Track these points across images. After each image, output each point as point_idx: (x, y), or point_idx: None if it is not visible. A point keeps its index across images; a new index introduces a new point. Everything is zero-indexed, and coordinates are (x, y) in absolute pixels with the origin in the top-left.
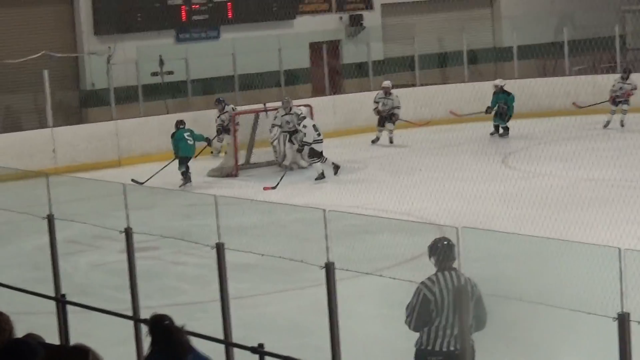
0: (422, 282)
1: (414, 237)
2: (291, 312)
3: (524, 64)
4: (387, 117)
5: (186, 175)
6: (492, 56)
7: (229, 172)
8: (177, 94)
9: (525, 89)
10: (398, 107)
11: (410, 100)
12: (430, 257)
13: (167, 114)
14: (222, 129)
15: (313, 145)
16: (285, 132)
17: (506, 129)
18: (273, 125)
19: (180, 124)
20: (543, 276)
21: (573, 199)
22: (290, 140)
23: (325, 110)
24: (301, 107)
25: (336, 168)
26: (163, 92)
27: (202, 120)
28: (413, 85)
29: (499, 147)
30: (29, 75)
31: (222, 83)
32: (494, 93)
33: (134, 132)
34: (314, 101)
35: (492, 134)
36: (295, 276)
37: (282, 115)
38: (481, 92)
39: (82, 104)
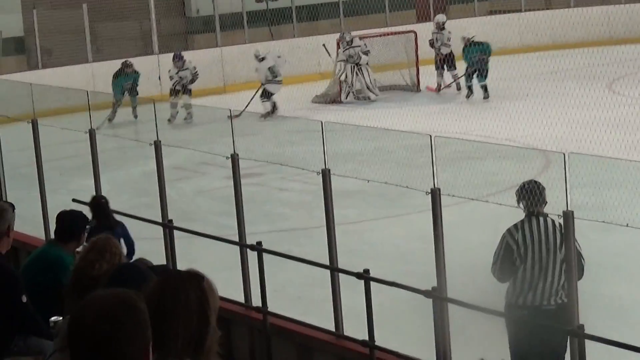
0: (508, 229)
1: (520, 163)
2: (396, 238)
3: None
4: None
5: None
6: None
7: (334, 99)
8: (281, 20)
9: (633, 15)
10: (446, 45)
11: (516, 26)
12: (518, 202)
13: (272, 40)
14: (183, 89)
15: (266, 86)
16: (351, 63)
17: (485, 88)
18: (339, 61)
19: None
20: None
21: None
22: (357, 72)
23: (430, 37)
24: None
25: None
26: (267, 19)
27: (305, 45)
28: (519, 10)
29: (605, 73)
30: (135, 2)
31: (326, 9)
32: (464, 48)
33: (238, 59)
34: (419, 27)
35: (467, 96)
36: (401, 202)
37: (344, 50)
38: (587, 17)
39: (188, 30)
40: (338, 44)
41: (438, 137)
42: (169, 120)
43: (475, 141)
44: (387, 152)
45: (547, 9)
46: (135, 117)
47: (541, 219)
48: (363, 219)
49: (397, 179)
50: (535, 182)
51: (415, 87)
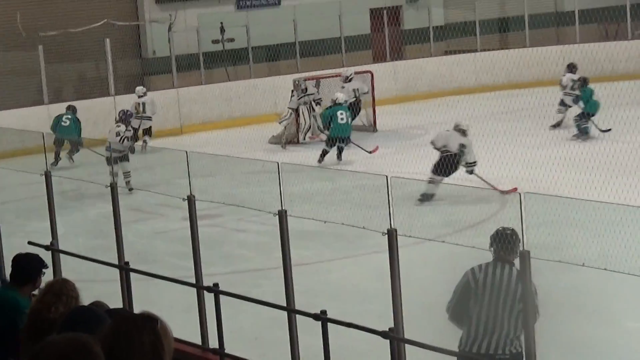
0: (472, 268)
1: (476, 204)
2: (353, 278)
3: (586, 28)
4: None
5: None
6: (554, 21)
7: (291, 139)
8: (238, 61)
9: (587, 54)
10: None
11: (471, 66)
12: (490, 245)
13: (228, 81)
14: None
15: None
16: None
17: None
18: (288, 108)
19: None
20: (607, 242)
21: (637, 164)
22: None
23: (386, 77)
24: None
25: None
26: (224, 60)
27: (262, 86)
28: (474, 50)
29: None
30: (91, 44)
31: (283, 50)
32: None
33: (195, 100)
34: (375, 67)
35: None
36: (358, 243)
37: (299, 98)
38: (543, 56)
39: (144, 71)
40: (296, 84)
41: (394, 177)
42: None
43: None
44: (344, 193)
45: (503, 48)
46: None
47: (507, 266)
48: (320, 260)
49: (354, 220)
50: (513, 231)
51: (372, 127)
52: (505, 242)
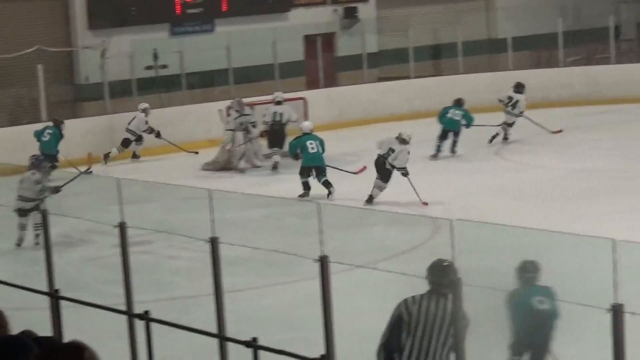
0: (405, 299)
1: (408, 230)
2: (285, 305)
3: (518, 55)
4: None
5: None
6: (487, 48)
7: (224, 166)
8: (171, 87)
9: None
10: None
11: (405, 92)
12: (426, 276)
13: (162, 107)
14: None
15: None
16: (240, 130)
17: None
18: (226, 130)
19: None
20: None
21: (567, 191)
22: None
23: (320, 103)
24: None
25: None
26: (157, 86)
27: (195, 112)
28: (407, 77)
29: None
30: (23, 69)
31: (216, 76)
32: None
33: None
34: (309, 94)
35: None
36: (290, 269)
37: (235, 118)
38: (476, 83)
39: (76, 98)
40: (228, 112)
41: (326, 204)
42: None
43: (363, 208)
44: (276, 219)
45: (436, 75)
46: None
47: (442, 299)
48: (253, 286)
49: (286, 246)
50: (450, 263)
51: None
52: (440, 274)
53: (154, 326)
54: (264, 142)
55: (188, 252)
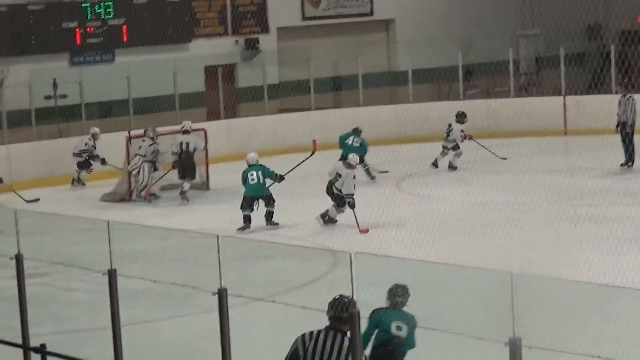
0: (302, 334)
1: (307, 263)
2: (184, 338)
3: (419, 88)
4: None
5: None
6: (387, 80)
7: (123, 197)
8: (70, 117)
9: (420, 113)
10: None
11: (306, 124)
12: (327, 312)
13: (61, 137)
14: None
15: None
16: (148, 161)
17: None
18: (136, 155)
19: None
20: (436, 301)
21: (467, 223)
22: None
23: (220, 134)
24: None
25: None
26: (57, 116)
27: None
28: (308, 109)
29: (393, 172)
30: None
31: (116, 107)
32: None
33: (26, 157)
34: (209, 125)
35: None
36: (189, 302)
37: (149, 145)
38: (376, 116)
39: None
40: (128, 141)
41: (225, 237)
42: None
43: (263, 241)
44: (175, 252)
45: (337, 107)
46: None
47: (339, 335)
48: (151, 319)
49: (185, 279)
50: (351, 299)
51: (205, 185)
52: (340, 310)
53: (51, 359)
54: (172, 173)
55: (86, 284)
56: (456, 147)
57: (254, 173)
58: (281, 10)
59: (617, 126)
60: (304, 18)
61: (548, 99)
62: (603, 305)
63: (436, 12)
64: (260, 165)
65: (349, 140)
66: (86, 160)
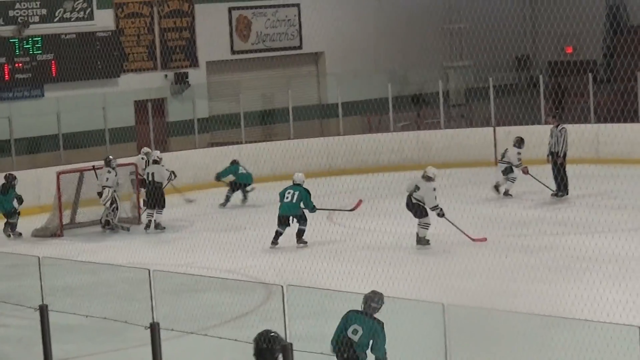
0: None
1: (240, 296)
2: None
3: (349, 120)
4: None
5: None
6: (318, 113)
7: (54, 232)
8: None
9: (350, 145)
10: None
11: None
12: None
13: None
14: None
15: None
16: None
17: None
18: (104, 187)
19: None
20: None
21: (399, 254)
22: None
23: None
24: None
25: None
26: None
27: (24, 178)
28: (239, 142)
29: (325, 204)
30: None
31: (46, 142)
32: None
33: None
34: (139, 159)
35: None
36: (121, 336)
37: (115, 175)
38: (307, 148)
39: None
40: (94, 170)
41: (157, 270)
42: None
43: (195, 274)
44: (107, 286)
45: (267, 140)
46: None
47: None
48: (84, 354)
49: (117, 313)
50: (275, 335)
51: (137, 220)
52: (262, 345)
53: None
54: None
55: (17, 320)
56: (509, 171)
57: (292, 192)
58: (210, 45)
59: (549, 156)
60: (233, 52)
61: (478, 129)
62: (535, 334)
63: (365, 45)
64: (302, 187)
65: (241, 169)
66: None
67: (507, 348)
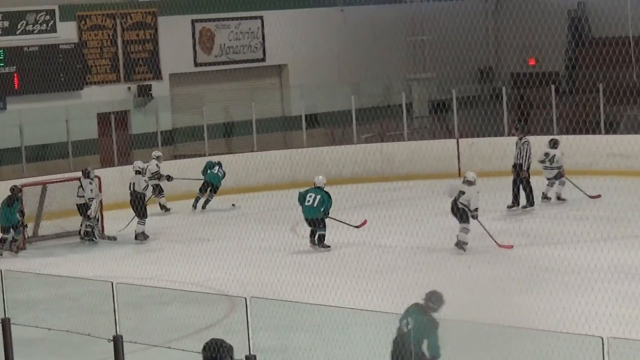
0: None
1: (204, 308)
2: None
3: (313, 132)
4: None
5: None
6: (281, 125)
7: (19, 246)
8: None
9: (314, 158)
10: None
11: (200, 169)
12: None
13: None
14: None
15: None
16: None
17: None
18: (90, 198)
19: None
20: (334, 346)
21: (364, 267)
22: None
23: (114, 181)
24: None
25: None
26: None
27: None
28: (202, 155)
29: (288, 216)
30: None
31: (8, 155)
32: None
33: None
34: (103, 172)
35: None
36: (85, 349)
37: (95, 186)
38: (270, 161)
39: None
40: (80, 181)
41: (120, 283)
42: None
43: (159, 287)
44: (71, 300)
45: (231, 152)
46: None
47: None
48: None
49: (80, 326)
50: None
51: (101, 232)
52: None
53: None
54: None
55: None
56: (559, 176)
57: (313, 195)
58: (173, 57)
59: (514, 167)
60: (197, 64)
61: (441, 141)
62: (499, 345)
63: (328, 57)
64: (324, 190)
65: (215, 169)
66: (157, 185)
67: (473, 359)
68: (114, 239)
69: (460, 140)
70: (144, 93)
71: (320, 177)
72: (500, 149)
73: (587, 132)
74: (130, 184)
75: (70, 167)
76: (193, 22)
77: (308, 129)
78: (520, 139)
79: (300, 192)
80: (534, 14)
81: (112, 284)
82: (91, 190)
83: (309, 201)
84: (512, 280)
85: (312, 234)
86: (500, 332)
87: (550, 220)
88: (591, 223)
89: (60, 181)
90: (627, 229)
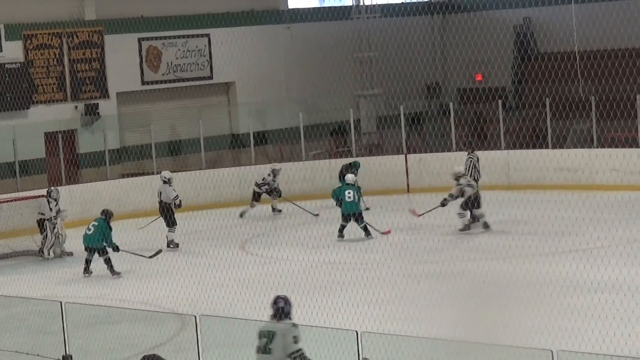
0: None
1: (154, 327)
2: None
3: (261, 149)
4: None
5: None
6: (229, 143)
7: None
8: None
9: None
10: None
11: (148, 188)
12: None
13: None
14: None
15: None
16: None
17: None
18: (55, 218)
19: None
20: None
21: (312, 283)
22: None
23: (62, 200)
24: None
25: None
26: None
27: None
28: (150, 173)
29: (238, 234)
30: None
31: None
32: None
33: None
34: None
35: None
36: None
37: (56, 205)
38: (219, 178)
39: None
40: (47, 199)
41: (69, 303)
42: None
43: (108, 306)
44: (19, 320)
45: (180, 171)
46: None
47: None
48: None
49: (29, 347)
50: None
51: (61, 249)
52: None
53: None
54: None
55: None
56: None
57: (351, 192)
58: (120, 76)
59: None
60: (144, 82)
61: (390, 157)
62: None
63: (276, 74)
64: (357, 186)
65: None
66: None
67: None
68: (71, 254)
69: (408, 155)
70: (91, 112)
71: (351, 175)
72: (449, 164)
73: (535, 147)
74: (158, 192)
75: (18, 186)
76: (140, 40)
77: (256, 146)
78: (469, 154)
79: (334, 190)
80: (480, 30)
81: (61, 303)
82: (59, 209)
83: (349, 197)
84: (462, 294)
85: (342, 230)
86: (450, 346)
87: (499, 234)
88: (539, 237)
89: (8, 201)
90: (575, 243)
